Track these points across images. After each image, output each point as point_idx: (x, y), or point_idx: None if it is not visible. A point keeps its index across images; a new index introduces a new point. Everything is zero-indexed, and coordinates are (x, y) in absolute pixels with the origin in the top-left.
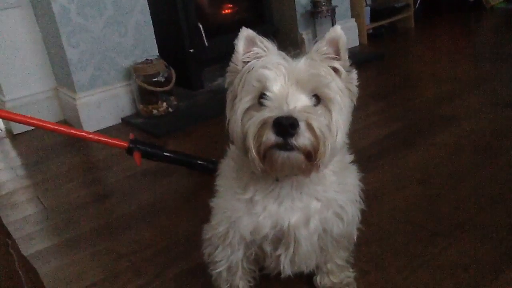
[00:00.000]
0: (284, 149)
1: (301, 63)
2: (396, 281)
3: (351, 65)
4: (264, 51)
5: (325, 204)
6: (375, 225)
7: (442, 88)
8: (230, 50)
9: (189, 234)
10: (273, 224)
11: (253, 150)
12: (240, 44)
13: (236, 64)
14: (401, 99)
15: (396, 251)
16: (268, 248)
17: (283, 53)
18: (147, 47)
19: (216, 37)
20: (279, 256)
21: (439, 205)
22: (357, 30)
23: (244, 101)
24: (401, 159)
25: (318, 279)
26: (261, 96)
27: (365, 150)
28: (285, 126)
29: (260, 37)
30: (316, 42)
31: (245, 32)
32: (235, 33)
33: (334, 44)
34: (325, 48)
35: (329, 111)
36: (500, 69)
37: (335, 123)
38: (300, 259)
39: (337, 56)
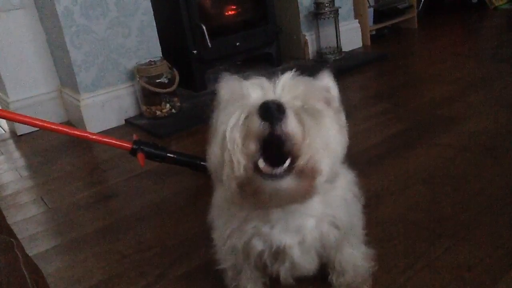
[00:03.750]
0: (271, 177)
1: (286, 75)
2: (400, 282)
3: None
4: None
5: (320, 218)
6: (378, 226)
7: (445, 89)
8: (233, 51)
9: (192, 235)
10: (266, 245)
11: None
12: (223, 92)
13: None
14: (404, 100)
15: (400, 252)
16: (267, 260)
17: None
18: (151, 48)
19: (219, 38)
20: (278, 267)
21: (443, 206)
22: (360, 32)
23: (223, 121)
24: (404, 160)
25: (334, 278)
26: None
27: (368, 151)
28: (272, 109)
29: (244, 82)
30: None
31: (226, 82)
32: (238, 34)
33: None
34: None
35: (319, 125)
36: (504, 70)
37: (325, 135)
38: (301, 270)
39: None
